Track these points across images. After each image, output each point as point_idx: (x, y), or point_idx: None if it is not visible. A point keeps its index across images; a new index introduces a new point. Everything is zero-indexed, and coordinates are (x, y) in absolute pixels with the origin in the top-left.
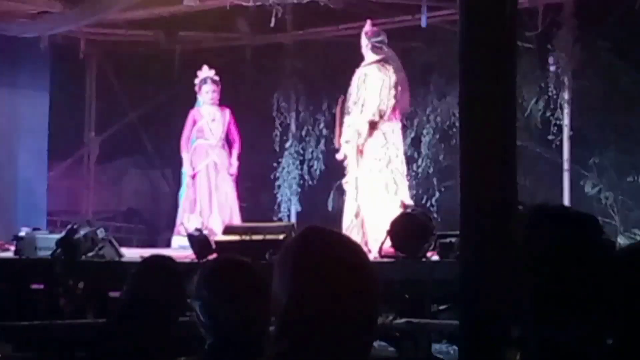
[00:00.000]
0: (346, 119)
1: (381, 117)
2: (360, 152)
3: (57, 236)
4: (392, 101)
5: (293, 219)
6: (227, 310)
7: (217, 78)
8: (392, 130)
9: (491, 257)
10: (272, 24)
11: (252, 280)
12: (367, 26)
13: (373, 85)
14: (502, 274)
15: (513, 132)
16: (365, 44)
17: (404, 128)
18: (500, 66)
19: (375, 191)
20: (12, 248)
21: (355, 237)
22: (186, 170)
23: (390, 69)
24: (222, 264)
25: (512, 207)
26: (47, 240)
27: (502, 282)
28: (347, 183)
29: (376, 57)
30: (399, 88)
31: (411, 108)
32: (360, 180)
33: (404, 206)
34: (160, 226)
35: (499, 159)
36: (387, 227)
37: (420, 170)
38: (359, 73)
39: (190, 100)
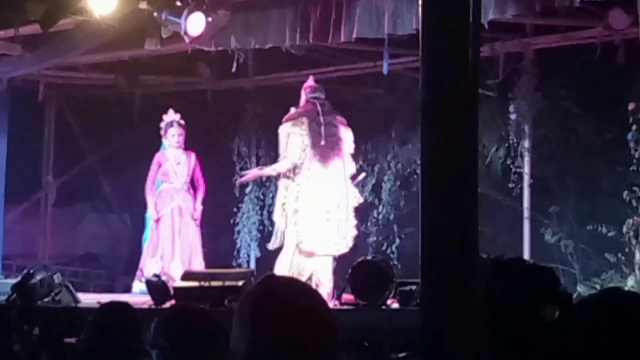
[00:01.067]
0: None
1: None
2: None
3: (13, 281)
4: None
5: (252, 265)
6: (184, 359)
7: (182, 122)
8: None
9: (452, 306)
10: (233, 69)
11: (209, 328)
12: (309, 81)
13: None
14: (463, 322)
15: (475, 180)
16: (303, 98)
17: (366, 175)
18: (462, 113)
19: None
20: None
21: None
22: (150, 214)
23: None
24: (179, 312)
25: (473, 256)
26: (2, 285)
27: (463, 331)
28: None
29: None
30: (335, 136)
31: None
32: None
33: None
34: (118, 271)
35: (460, 206)
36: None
37: (380, 216)
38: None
39: (151, 144)
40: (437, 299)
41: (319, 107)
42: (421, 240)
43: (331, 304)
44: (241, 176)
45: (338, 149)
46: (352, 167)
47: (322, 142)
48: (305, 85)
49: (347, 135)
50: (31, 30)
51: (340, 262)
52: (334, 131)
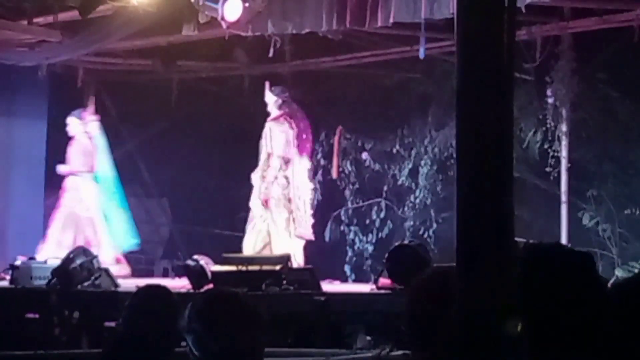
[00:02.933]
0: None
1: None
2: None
3: (53, 265)
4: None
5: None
6: (219, 344)
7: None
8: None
9: (488, 290)
10: (270, 54)
11: (244, 313)
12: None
13: (277, 136)
14: (499, 307)
15: (510, 164)
16: (272, 100)
17: (402, 159)
18: (498, 98)
19: (279, 227)
20: (8, 277)
21: None
22: None
23: (292, 122)
24: (214, 296)
25: (509, 240)
26: (43, 270)
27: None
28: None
29: (280, 112)
30: (303, 136)
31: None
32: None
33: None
34: (156, 255)
35: (496, 191)
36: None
37: (417, 201)
38: (267, 127)
39: (188, 128)
40: (473, 284)
41: (291, 106)
42: (457, 225)
43: (368, 287)
44: None
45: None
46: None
47: (299, 139)
48: (271, 87)
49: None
50: (70, 16)
51: (378, 246)
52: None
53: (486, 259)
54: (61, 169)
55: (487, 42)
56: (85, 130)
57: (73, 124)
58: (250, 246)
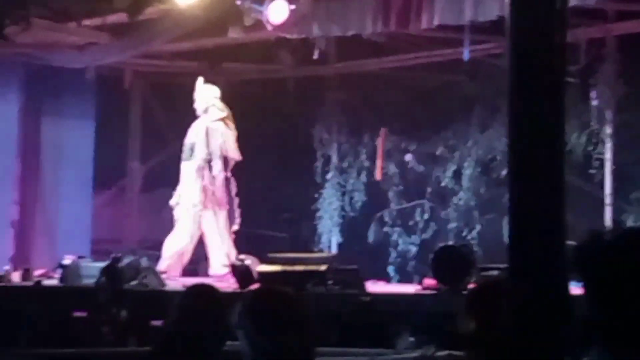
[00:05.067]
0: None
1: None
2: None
3: (102, 264)
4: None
5: (334, 250)
6: (268, 341)
7: None
8: None
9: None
10: (315, 57)
11: (293, 311)
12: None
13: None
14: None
15: (562, 165)
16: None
17: (445, 160)
18: (550, 99)
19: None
20: (57, 276)
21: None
22: None
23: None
24: (264, 294)
25: (561, 242)
26: (92, 269)
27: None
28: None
29: (222, 114)
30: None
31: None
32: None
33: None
34: (201, 255)
35: (548, 193)
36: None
37: (461, 203)
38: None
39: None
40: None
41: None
42: (509, 227)
43: (412, 288)
44: None
45: None
46: None
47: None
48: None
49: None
50: (118, 19)
51: (421, 248)
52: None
53: (538, 261)
54: None
55: (539, 43)
56: None
57: None
58: None
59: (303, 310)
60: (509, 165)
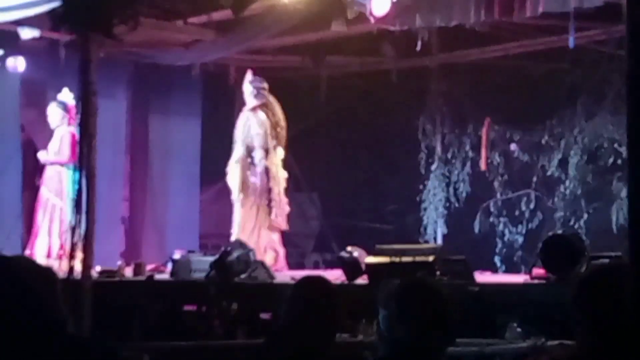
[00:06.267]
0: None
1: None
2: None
3: (212, 258)
4: (274, 141)
5: (439, 241)
6: (409, 328)
7: None
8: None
9: None
10: (418, 48)
11: (438, 310)
12: (249, 74)
13: (256, 127)
14: None
15: None
16: (249, 90)
17: (551, 149)
18: None
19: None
20: (167, 270)
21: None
22: None
23: (269, 112)
24: (417, 284)
25: None
26: (202, 263)
27: None
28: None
29: (257, 102)
30: (278, 129)
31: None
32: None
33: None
34: (307, 249)
35: None
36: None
37: (567, 191)
38: (244, 116)
39: (338, 124)
40: None
41: (268, 97)
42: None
43: (520, 278)
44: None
45: (282, 136)
46: (282, 154)
47: (278, 129)
48: (249, 78)
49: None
50: (223, 15)
51: (528, 237)
52: (281, 120)
53: None
54: (42, 157)
55: None
56: (68, 121)
57: (56, 115)
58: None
59: (448, 303)
60: (628, 150)
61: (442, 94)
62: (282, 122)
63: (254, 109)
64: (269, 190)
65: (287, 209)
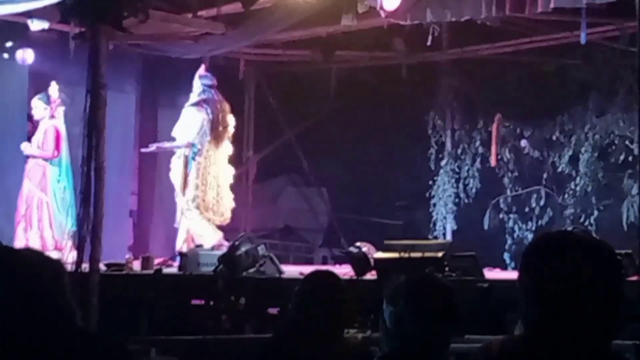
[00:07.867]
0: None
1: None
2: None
3: (220, 253)
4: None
5: (448, 237)
6: (417, 324)
7: None
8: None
9: None
10: (428, 43)
11: (449, 305)
12: (202, 69)
13: (191, 122)
14: None
15: None
16: (197, 85)
17: (561, 146)
18: None
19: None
20: (176, 264)
21: None
22: None
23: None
24: (427, 281)
25: None
26: (210, 257)
27: None
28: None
29: (198, 98)
30: (220, 127)
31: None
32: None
33: None
34: (315, 243)
35: None
36: None
37: (578, 188)
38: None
39: (347, 118)
40: None
41: (215, 95)
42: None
43: None
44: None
45: (227, 134)
46: (230, 150)
47: (220, 128)
48: (200, 73)
49: (232, 122)
50: (233, 8)
51: (538, 232)
52: (226, 118)
53: None
54: (26, 150)
55: None
56: (51, 114)
57: (39, 108)
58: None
59: (459, 304)
60: (639, 146)
61: (453, 89)
62: (227, 122)
63: (194, 105)
64: (196, 186)
65: (231, 204)
